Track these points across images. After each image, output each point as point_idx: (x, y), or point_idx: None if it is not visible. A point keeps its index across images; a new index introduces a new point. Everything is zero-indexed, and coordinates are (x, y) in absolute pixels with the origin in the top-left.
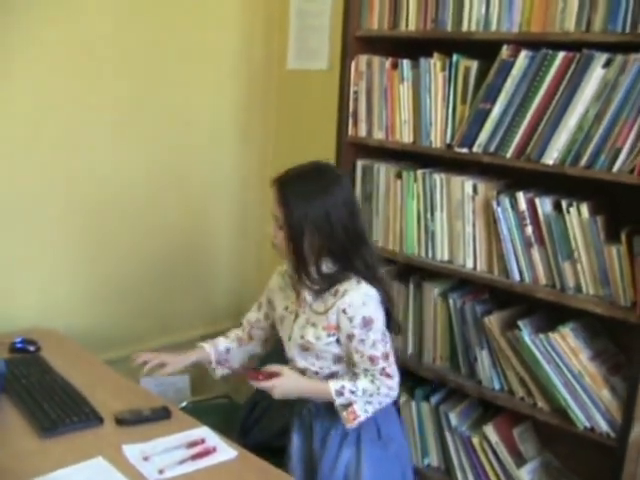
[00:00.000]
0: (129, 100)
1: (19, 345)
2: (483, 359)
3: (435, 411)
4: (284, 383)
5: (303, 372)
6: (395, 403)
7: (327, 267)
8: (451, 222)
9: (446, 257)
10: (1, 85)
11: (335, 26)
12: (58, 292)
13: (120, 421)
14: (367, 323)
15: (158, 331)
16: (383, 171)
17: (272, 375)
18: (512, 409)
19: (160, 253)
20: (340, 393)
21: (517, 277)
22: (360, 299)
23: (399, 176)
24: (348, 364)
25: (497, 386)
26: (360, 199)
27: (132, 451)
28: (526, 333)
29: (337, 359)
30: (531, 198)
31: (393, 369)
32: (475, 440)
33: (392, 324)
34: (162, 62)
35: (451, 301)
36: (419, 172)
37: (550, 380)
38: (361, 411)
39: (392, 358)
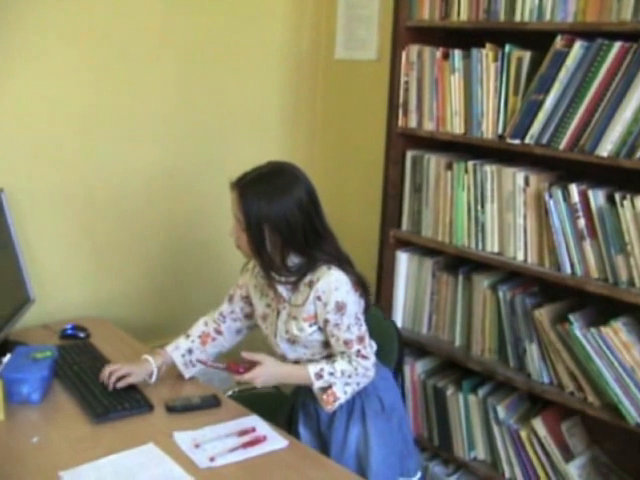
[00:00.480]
0: (175, 90)
1: (70, 331)
2: (532, 352)
3: (483, 404)
4: (265, 372)
5: (297, 363)
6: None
7: (292, 261)
8: (502, 214)
9: (496, 249)
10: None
11: (383, 16)
12: (104, 284)
13: (170, 408)
14: (340, 308)
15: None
16: (433, 162)
17: (252, 365)
18: (562, 403)
19: (200, 247)
20: (319, 376)
21: (568, 270)
22: (332, 284)
23: (449, 167)
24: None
25: (546, 380)
26: (409, 190)
27: (183, 438)
28: (577, 327)
29: (325, 344)
30: (584, 190)
31: (368, 351)
32: (523, 434)
33: (367, 306)
34: (208, 51)
35: (501, 293)
36: (470, 163)
37: (601, 375)
38: (340, 392)
39: (367, 340)
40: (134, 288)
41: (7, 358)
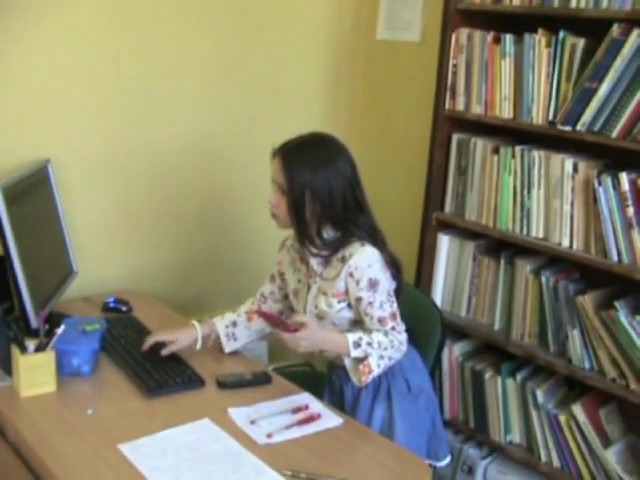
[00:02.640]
0: (218, 62)
1: (112, 304)
2: (574, 338)
3: (521, 388)
4: (311, 335)
5: None
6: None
7: (327, 234)
8: (548, 200)
9: (541, 234)
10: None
11: None
12: (142, 257)
13: (222, 384)
14: (373, 285)
15: (231, 299)
16: (480, 146)
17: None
18: (603, 389)
19: (238, 223)
20: (357, 344)
21: (615, 257)
22: (365, 261)
23: (496, 151)
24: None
25: (587, 366)
26: (454, 173)
27: (238, 414)
28: (622, 314)
29: (353, 323)
30: (634, 179)
31: (401, 327)
32: (562, 419)
33: (399, 287)
34: (251, 26)
35: (544, 279)
36: (517, 148)
37: None
38: (375, 365)
39: (399, 317)
40: (171, 263)
41: (61, 330)
